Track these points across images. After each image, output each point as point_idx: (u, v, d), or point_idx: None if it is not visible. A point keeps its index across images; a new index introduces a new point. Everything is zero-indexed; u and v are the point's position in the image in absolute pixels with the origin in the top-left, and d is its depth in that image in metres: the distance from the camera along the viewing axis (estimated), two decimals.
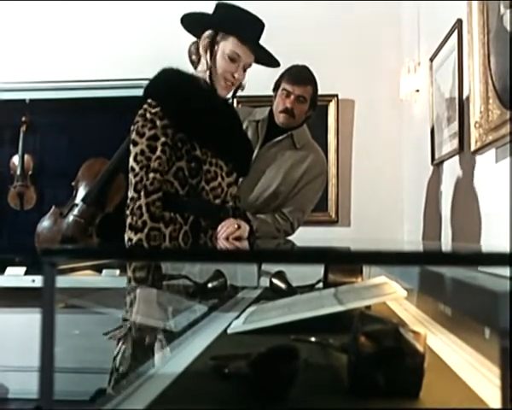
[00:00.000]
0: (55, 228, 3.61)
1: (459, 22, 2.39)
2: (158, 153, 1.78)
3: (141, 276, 1.73)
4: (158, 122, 1.79)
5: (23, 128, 3.87)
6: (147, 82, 1.90)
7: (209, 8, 1.95)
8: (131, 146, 1.80)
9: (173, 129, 1.81)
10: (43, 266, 0.58)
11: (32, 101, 3.83)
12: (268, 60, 2.02)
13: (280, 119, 2.46)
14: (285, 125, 2.47)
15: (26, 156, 3.88)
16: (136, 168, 1.77)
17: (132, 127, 1.82)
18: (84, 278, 3.13)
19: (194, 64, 1.98)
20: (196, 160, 1.85)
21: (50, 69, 3.86)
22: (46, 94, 3.78)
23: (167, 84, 1.88)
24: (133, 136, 1.80)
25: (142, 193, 1.75)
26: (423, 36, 3.14)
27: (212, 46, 1.91)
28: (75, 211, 3.62)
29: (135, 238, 1.73)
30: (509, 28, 1.79)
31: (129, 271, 1.75)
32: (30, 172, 3.89)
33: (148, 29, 3.85)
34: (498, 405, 0.54)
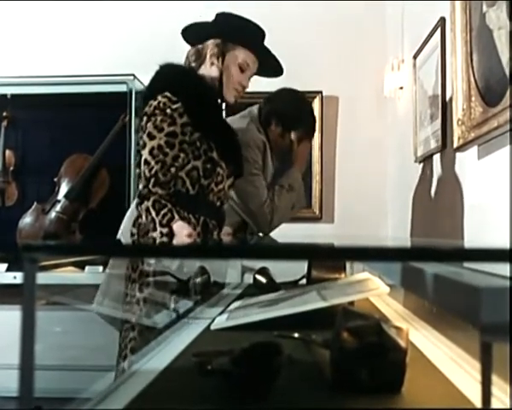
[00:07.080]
0: (37, 224, 3.57)
1: (442, 20, 2.40)
2: (176, 151, 1.74)
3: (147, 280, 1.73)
4: (178, 119, 1.75)
5: (4, 123, 3.81)
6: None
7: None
8: (146, 138, 1.75)
9: (192, 127, 1.78)
10: (24, 263, 0.57)
11: (13, 96, 3.77)
12: (271, 68, 2.04)
13: None
14: None
15: (7, 152, 3.82)
16: (152, 162, 1.73)
17: (146, 119, 1.76)
18: (66, 274, 3.10)
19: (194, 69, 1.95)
20: (212, 161, 1.82)
21: (33, 64, 3.82)
22: (28, 89, 3.72)
23: (185, 80, 1.85)
24: (150, 129, 1.74)
25: (157, 187, 1.72)
26: (407, 34, 3.15)
27: (223, 54, 1.91)
28: (58, 207, 3.59)
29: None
30: (491, 26, 1.80)
31: (133, 272, 1.75)
32: (11, 168, 3.83)
33: (132, 25, 3.81)
34: (479, 399, 0.54)
